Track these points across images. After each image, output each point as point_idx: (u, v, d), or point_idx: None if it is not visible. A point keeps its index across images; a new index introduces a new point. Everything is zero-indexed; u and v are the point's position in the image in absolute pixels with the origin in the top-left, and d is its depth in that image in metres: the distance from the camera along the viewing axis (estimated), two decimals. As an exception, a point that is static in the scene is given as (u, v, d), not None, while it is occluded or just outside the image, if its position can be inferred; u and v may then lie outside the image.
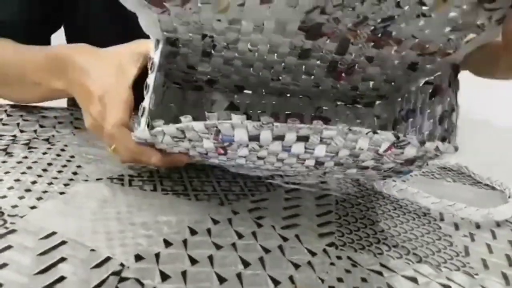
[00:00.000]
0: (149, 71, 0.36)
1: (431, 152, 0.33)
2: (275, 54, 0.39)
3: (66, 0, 0.60)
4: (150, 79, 0.36)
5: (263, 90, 0.47)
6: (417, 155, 0.33)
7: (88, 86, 0.41)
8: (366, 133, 0.31)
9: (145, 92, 0.36)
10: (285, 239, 0.35)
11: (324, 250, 0.34)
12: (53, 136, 0.47)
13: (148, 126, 0.35)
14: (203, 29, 0.36)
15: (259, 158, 0.34)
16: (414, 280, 0.33)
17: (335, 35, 0.36)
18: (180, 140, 0.34)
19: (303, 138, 0.31)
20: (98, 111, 0.39)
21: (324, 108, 0.49)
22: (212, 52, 0.40)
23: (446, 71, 0.37)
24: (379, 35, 0.35)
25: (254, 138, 0.31)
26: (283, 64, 0.41)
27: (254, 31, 0.36)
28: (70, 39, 0.67)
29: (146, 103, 0.35)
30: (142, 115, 0.35)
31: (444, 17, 0.31)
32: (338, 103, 0.49)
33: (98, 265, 0.28)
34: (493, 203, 0.47)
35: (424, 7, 0.31)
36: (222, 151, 0.34)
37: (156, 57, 0.36)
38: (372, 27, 0.34)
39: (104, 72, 0.41)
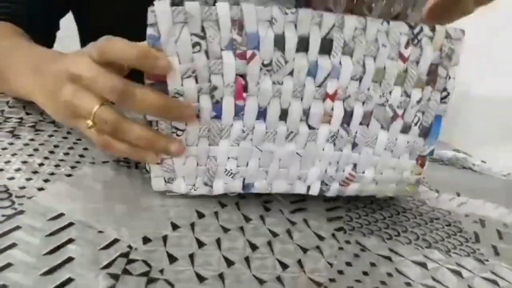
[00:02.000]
0: None
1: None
2: None
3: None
4: None
5: None
6: None
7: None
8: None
9: None
10: (293, 223, 0.35)
11: (333, 235, 0.34)
12: (59, 118, 0.47)
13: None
14: None
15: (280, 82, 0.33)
16: (423, 265, 0.32)
17: None
18: (198, 44, 0.31)
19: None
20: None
21: None
22: None
23: None
24: None
25: (279, 38, 0.31)
26: None
27: None
28: (88, 39, 0.67)
29: None
30: None
31: None
32: None
33: (106, 247, 0.28)
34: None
35: None
36: (242, 83, 0.32)
37: None
38: None
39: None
